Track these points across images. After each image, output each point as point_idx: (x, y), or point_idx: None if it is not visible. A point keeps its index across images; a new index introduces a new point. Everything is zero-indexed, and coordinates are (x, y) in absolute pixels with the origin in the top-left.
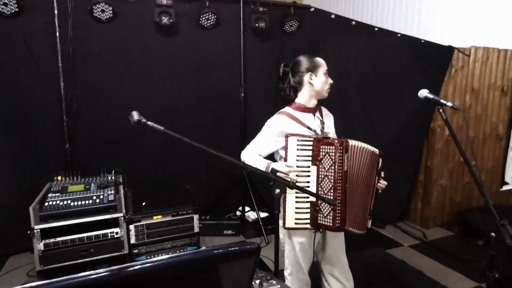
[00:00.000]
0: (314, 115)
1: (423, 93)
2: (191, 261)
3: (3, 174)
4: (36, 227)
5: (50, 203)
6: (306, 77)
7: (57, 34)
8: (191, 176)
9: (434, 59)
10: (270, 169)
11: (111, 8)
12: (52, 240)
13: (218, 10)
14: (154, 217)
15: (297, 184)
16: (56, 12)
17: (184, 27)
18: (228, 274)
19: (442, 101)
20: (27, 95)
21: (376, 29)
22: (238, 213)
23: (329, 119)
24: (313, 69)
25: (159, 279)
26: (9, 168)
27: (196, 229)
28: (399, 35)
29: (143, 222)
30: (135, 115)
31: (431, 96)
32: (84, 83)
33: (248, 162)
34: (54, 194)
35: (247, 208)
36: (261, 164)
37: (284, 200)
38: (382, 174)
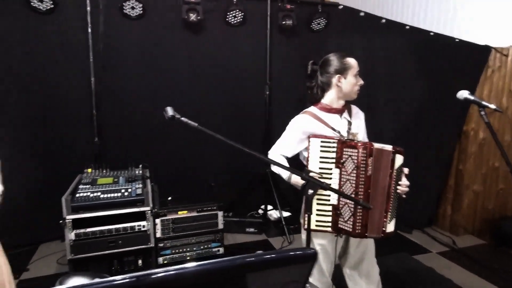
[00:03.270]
0: (341, 116)
1: (463, 94)
2: (247, 264)
3: (35, 166)
4: (68, 217)
5: (81, 194)
6: (335, 79)
7: (89, 31)
8: (214, 173)
9: (469, 59)
10: (292, 178)
11: (141, 5)
12: (82, 230)
13: (245, 7)
14: (180, 212)
15: None
16: (88, 9)
17: (211, 24)
18: (281, 279)
19: (484, 103)
20: (60, 90)
21: (407, 27)
22: (260, 211)
23: (358, 119)
24: (342, 71)
25: (211, 282)
26: (40, 160)
27: (221, 226)
28: (431, 33)
29: (169, 217)
30: (170, 111)
31: (472, 97)
32: (113, 79)
33: (274, 166)
34: (84, 186)
35: (269, 207)
36: (283, 172)
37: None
38: (406, 171)
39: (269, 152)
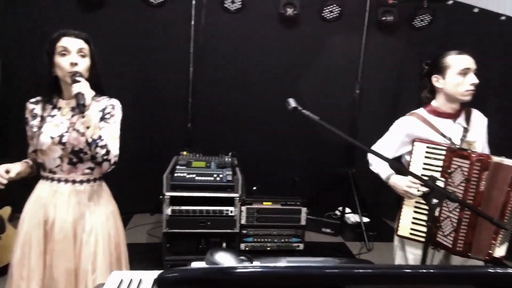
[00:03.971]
0: (454, 121)
1: None
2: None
3: (135, 143)
4: (167, 194)
5: (179, 174)
6: (433, 80)
7: (192, 23)
8: (295, 167)
9: None
10: (390, 179)
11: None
12: (177, 207)
13: (343, 2)
14: (265, 203)
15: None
16: (193, 2)
17: (305, 19)
18: None
19: None
20: (161, 77)
21: None
22: (337, 212)
23: (478, 126)
24: (440, 70)
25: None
26: (140, 139)
27: (303, 222)
28: None
29: (254, 206)
30: (292, 102)
31: None
32: (209, 69)
33: (373, 165)
34: (181, 167)
35: (347, 210)
36: (383, 171)
37: (401, 206)
38: None
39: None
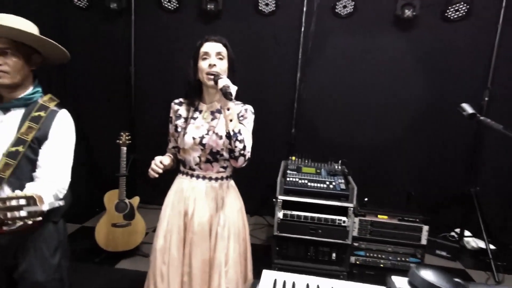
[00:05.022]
0: None
1: None
2: None
3: None
4: (280, 197)
5: (291, 179)
6: None
7: (302, 30)
8: (408, 181)
9: None
10: None
11: (353, 3)
12: (289, 212)
13: None
14: (379, 216)
15: None
16: (305, 9)
17: (425, 20)
18: None
19: None
20: (268, 83)
21: None
22: (453, 234)
23: None
24: None
25: None
26: None
27: (424, 242)
28: None
29: (367, 218)
30: (469, 108)
31: None
32: (316, 75)
33: None
34: (291, 172)
35: (466, 233)
36: None
37: None
38: None
39: None
